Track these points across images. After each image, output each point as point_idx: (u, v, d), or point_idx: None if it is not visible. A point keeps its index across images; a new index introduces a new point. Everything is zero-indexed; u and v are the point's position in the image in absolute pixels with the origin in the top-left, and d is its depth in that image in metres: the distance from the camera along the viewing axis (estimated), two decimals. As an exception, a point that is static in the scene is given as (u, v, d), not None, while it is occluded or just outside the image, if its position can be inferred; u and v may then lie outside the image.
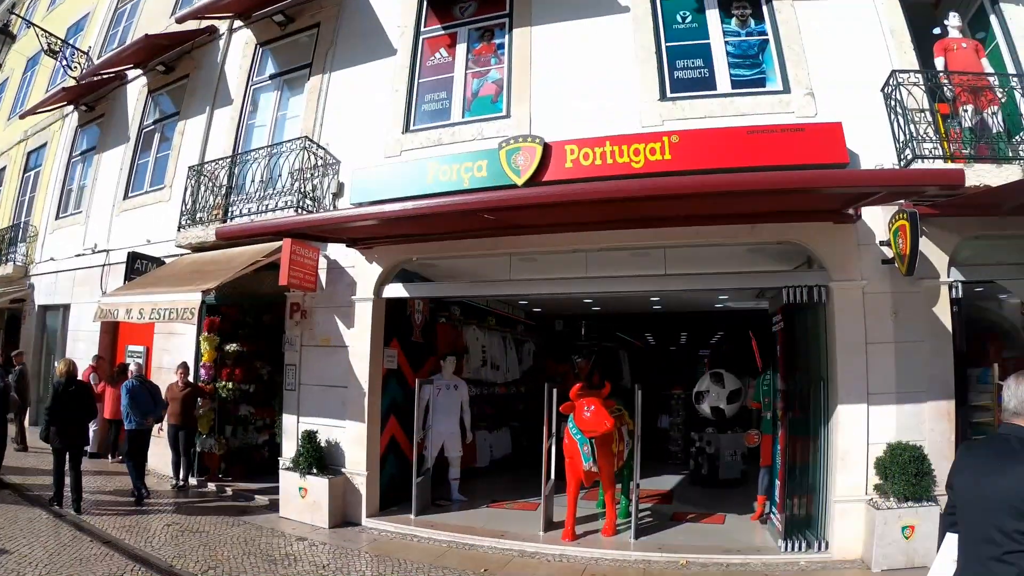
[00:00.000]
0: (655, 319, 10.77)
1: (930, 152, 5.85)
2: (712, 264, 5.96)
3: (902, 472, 5.27)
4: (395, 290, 6.77)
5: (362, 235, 6.49)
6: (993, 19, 7.17)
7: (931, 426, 5.80)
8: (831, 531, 5.60)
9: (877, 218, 5.95)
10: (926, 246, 5.95)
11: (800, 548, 5.55)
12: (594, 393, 5.84)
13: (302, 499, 6.63)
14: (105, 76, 11.10)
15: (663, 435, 10.72)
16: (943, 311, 6.00)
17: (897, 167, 6.11)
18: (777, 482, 6.07)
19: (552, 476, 6.50)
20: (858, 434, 5.66)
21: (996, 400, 8.22)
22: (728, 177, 4.84)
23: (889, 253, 5.87)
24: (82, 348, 10.23)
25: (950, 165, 5.86)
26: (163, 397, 7.64)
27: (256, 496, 7.48)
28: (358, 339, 6.77)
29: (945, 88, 6.20)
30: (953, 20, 6.75)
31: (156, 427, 7.82)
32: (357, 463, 6.71)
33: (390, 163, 6.87)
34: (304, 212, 6.87)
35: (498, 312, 10.48)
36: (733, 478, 8.35)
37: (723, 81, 6.29)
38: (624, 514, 6.63)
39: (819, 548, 5.53)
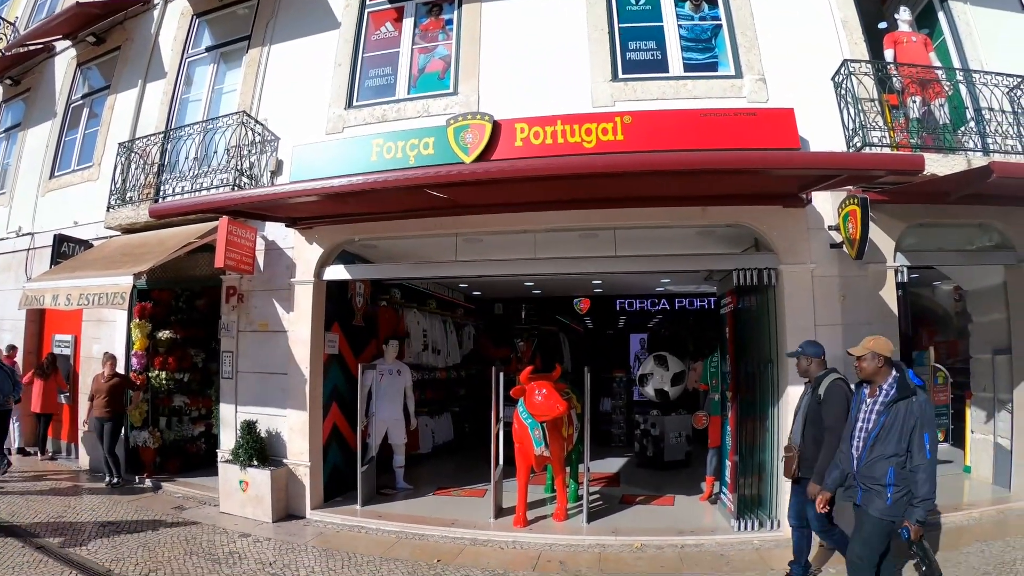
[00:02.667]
0: (595, 303, 10.67)
1: (878, 140, 5.93)
2: (660, 246, 5.88)
3: None
4: (336, 272, 6.47)
5: (302, 214, 6.16)
6: (941, 16, 7.32)
7: None
8: (782, 510, 5.62)
9: (826, 203, 5.99)
10: (874, 232, 5.99)
11: (753, 527, 5.58)
12: (545, 377, 5.70)
13: (243, 493, 6.31)
14: (32, 48, 10.36)
15: (606, 418, 10.69)
16: (889, 295, 6.09)
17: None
18: (728, 463, 6.08)
19: (501, 462, 6.35)
20: (804, 413, 5.69)
21: (932, 381, 8.57)
22: (685, 155, 4.73)
23: (838, 238, 5.91)
24: (7, 338, 9.51)
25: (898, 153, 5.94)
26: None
27: (194, 491, 7.10)
28: (298, 323, 6.45)
29: (894, 79, 6.28)
30: (903, 14, 6.86)
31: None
32: (300, 453, 6.41)
33: (332, 140, 6.55)
34: (240, 190, 6.49)
35: (438, 295, 10.22)
36: (678, 459, 8.37)
37: (676, 64, 6.21)
38: (574, 498, 6.56)
39: (771, 527, 5.56)
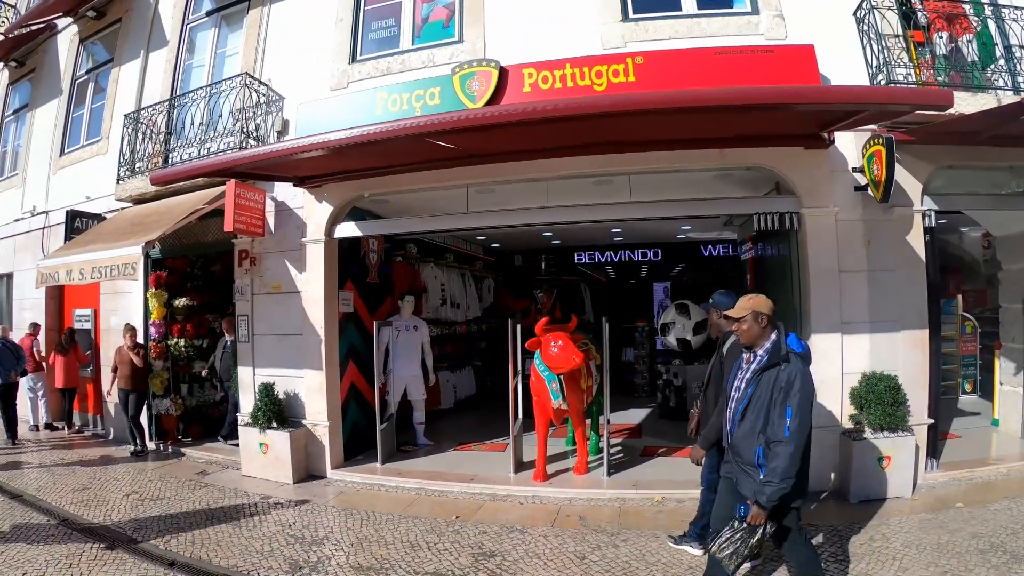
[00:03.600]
0: (616, 252, 10.53)
1: (904, 78, 5.67)
2: (677, 191, 5.69)
3: (878, 402, 5.20)
4: (347, 229, 6.37)
5: (309, 172, 6.06)
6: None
7: (905, 356, 5.72)
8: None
9: (850, 144, 5.75)
10: (899, 174, 5.75)
11: (775, 477, 5.47)
12: (561, 328, 5.60)
13: (264, 455, 6.34)
14: (34, 28, 10.28)
15: (628, 368, 10.57)
16: (916, 240, 5.87)
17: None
18: (749, 413, 5.97)
19: (520, 415, 6.31)
20: (832, 363, 5.56)
21: (959, 331, 8.33)
22: (697, 92, 4.52)
23: (862, 180, 5.69)
24: (28, 317, 9.66)
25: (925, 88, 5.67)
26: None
27: (217, 456, 7.18)
28: (311, 283, 6.39)
29: (919, 14, 5.97)
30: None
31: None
32: (318, 413, 6.42)
33: (337, 96, 6.41)
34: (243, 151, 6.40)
35: (456, 249, 10.06)
36: None
37: (688, 1, 5.93)
38: (595, 451, 6.50)
39: (794, 477, 5.45)
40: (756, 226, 5.39)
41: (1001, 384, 7.16)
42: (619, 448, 6.80)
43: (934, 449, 5.96)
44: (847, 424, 5.51)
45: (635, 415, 8.78)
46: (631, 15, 5.91)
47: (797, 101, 4.47)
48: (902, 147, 5.63)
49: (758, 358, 3.10)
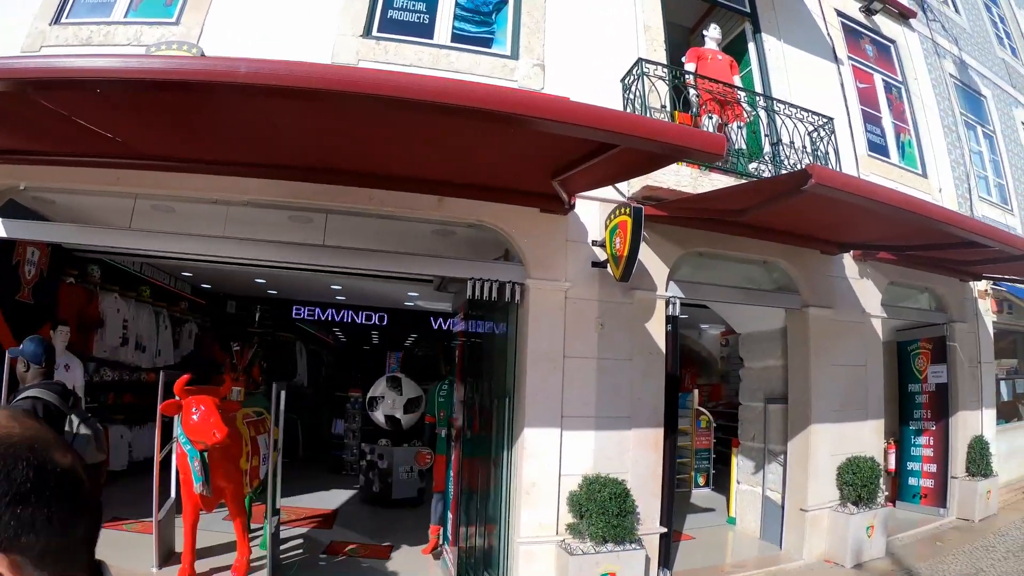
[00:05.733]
0: (339, 311, 9.24)
1: (663, 153, 5.34)
2: (384, 243, 4.80)
3: (601, 512, 4.53)
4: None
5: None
6: (752, 47, 7.10)
7: (636, 457, 5.18)
8: (515, 573, 4.70)
9: (593, 215, 5.26)
10: (645, 255, 5.36)
11: (476, 591, 4.54)
12: (208, 390, 4.41)
13: None
14: None
15: (338, 443, 9.30)
16: (657, 328, 5.44)
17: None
18: (450, 513, 5.07)
19: (172, 493, 4.95)
20: (548, 463, 4.85)
21: (694, 424, 8.25)
22: (375, 74, 3.24)
23: (602, 255, 5.19)
24: None
25: (683, 167, 5.37)
26: None
27: None
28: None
29: (691, 92, 5.78)
30: (713, 31, 6.47)
31: None
32: None
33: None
34: None
35: (155, 282, 8.31)
36: (410, 497, 7.23)
37: (443, 32, 5.27)
38: (265, 545, 5.24)
39: (500, 591, 4.56)
40: (470, 293, 4.61)
41: (738, 482, 6.95)
42: (301, 542, 5.58)
43: (667, 559, 5.44)
44: (564, 534, 4.78)
45: (335, 498, 7.54)
46: (374, 32, 5.12)
47: (532, 114, 3.02)
48: (651, 225, 5.23)
49: None
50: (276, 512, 4.72)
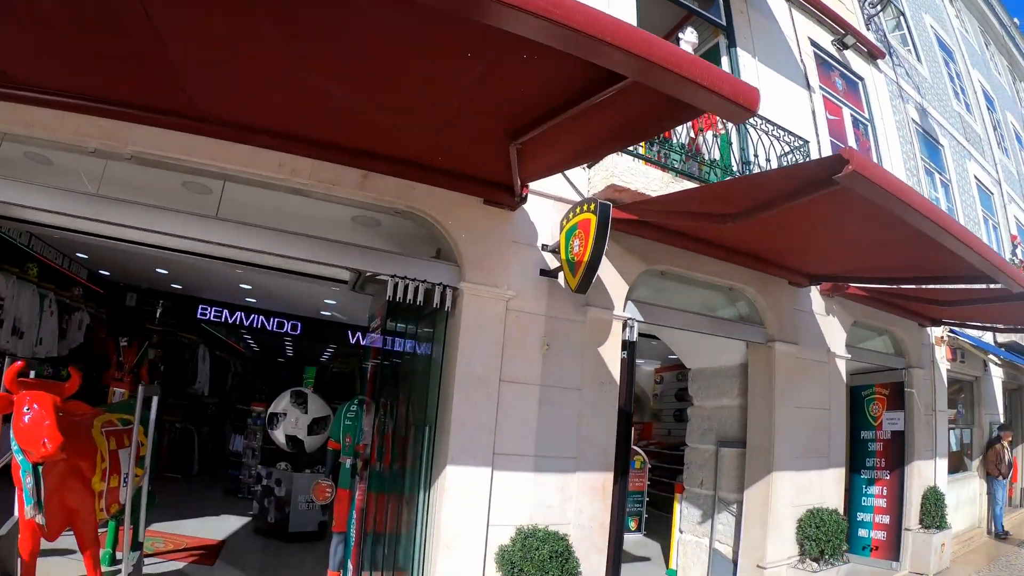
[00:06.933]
0: (248, 315, 8.27)
1: (631, 151, 4.72)
2: (294, 225, 3.85)
3: (538, 570, 3.78)
4: None
5: None
6: (725, 61, 6.72)
7: (580, 505, 4.40)
8: None
9: (546, 214, 4.52)
10: (603, 268, 4.60)
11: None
12: (50, 386, 3.35)
13: None
14: None
15: (236, 461, 8.35)
16: (612, 354, 4.72)
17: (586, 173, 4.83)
18: (350, 561, 4.11)
19: (16, 511, 3.78)
20: (475, 509, 4.01)
21: (641, 466, 7.54)
22: None
23: (554, 263, 4.43)
24: None
25: (649, 168, 4.73)
26: None
27: None
28: None
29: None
30: (689, 35, 6.02)
31: None
32: None
33: None
34: None
35: (46, 261, 7.06)
36: (309, 531, 6.25)
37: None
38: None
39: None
40: (390, 295, 3.73)
41: (681, 531, 6.26)
42: (173, 580, 4.45)
43: (611, 624, 4.62)
44: (490, 598, 3.91)
45: (224, 525, 6.44)
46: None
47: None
48: (613, 234, 4.51)
49: None
50: (138, 546, 3.63)
